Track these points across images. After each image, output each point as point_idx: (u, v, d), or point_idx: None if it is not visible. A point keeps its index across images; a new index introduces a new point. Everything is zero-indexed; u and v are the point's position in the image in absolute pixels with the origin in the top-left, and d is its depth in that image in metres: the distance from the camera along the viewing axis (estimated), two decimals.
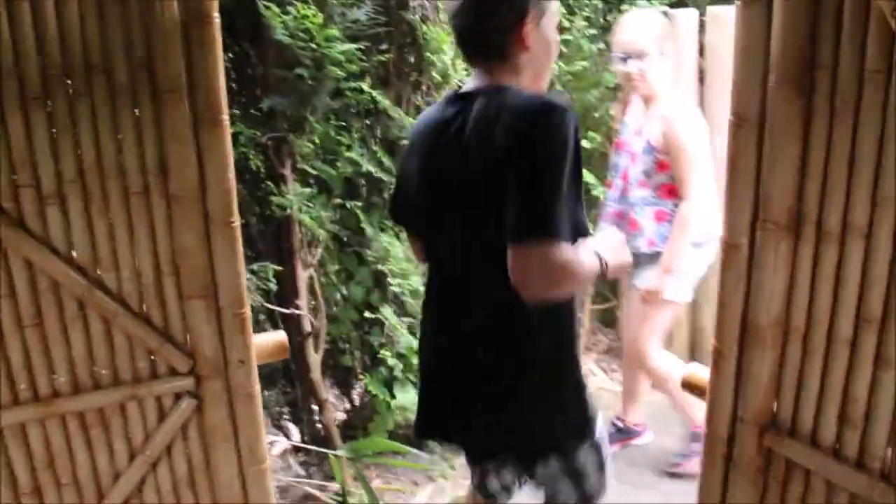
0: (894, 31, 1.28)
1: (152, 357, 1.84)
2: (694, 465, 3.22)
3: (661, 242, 3.04)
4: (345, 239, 2.83)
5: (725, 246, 1.63)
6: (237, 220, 1.81)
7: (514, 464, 1.96)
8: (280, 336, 2.05)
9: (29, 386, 1.74)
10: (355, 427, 3.20)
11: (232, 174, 1.77)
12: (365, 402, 3.37)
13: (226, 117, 1.73)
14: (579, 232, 1.68)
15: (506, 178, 1.58)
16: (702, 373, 1.85)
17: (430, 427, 2.00)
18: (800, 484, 1.63)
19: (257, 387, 1.96)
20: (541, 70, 1.77)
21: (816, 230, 1.48)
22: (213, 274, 1.81)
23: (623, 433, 3.51)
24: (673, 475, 3.29)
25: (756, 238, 1.57)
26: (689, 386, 1.87)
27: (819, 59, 1.41)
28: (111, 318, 1.75)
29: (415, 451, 3.00)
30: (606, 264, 1.75)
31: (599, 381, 4.15)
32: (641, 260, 3.06)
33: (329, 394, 2.97)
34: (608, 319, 4.55)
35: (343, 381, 3.36)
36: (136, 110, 1.66)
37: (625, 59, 2.90)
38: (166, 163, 1.71)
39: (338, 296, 2.90)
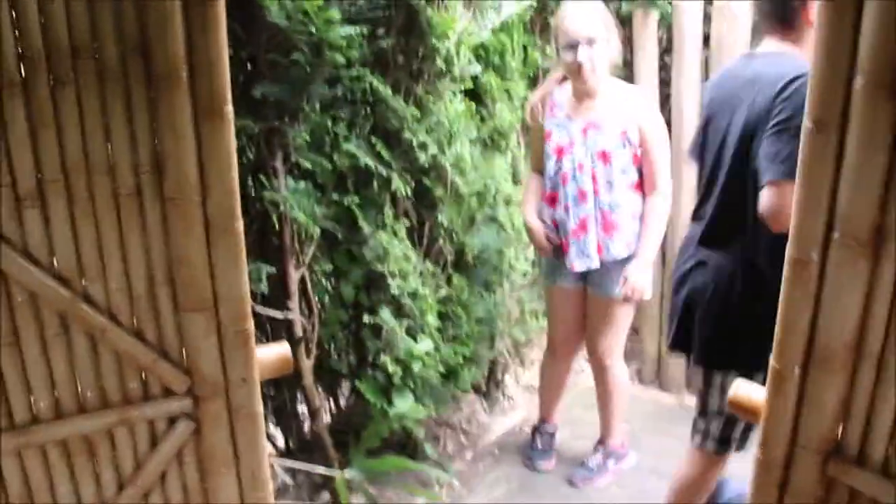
0: None
1: (144, 377, 1.64)
2: (603, 482, 3.18)
3: (635, 243, 2.88)
4: (339, 237, 2.63)
5: (793, 262, 1.48)
6: (240, 226, 1.60)
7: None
8: (283, 349, 1.85)
9: (3, 412, 1.52)
10: (343, 433, 3.01)
11: (235, 173, 1.57)
12: (352, 407, 3.20)
13: (230, 109, 1.53)
14: None
15: (762, 127, 2.04)
16: (751, 392, 1.71)
17: (680, 343, 2.43)
18: None
19: (260, 407, 1.77)
20: (811, 43, 1.83)
21: None
22: (213, 284, 1.61)
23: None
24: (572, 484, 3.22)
25: (829, 254, 1.42)
26: (738, 406, 1.72)
27: None
28: (98, 335, 1.54)
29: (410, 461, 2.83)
30: None
31: (590, 380, 4.02)
32: (611, 268, 2.89)
33: (321, 401, 2.78)
34: None
35: (329, 385, 3.17)
36: (128, 99, 1.44)
37: (573, 47, 2.71)
38: (161, 160, 1.50)
39: (328, 298, 2.70)
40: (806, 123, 1.41)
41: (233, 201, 1.57)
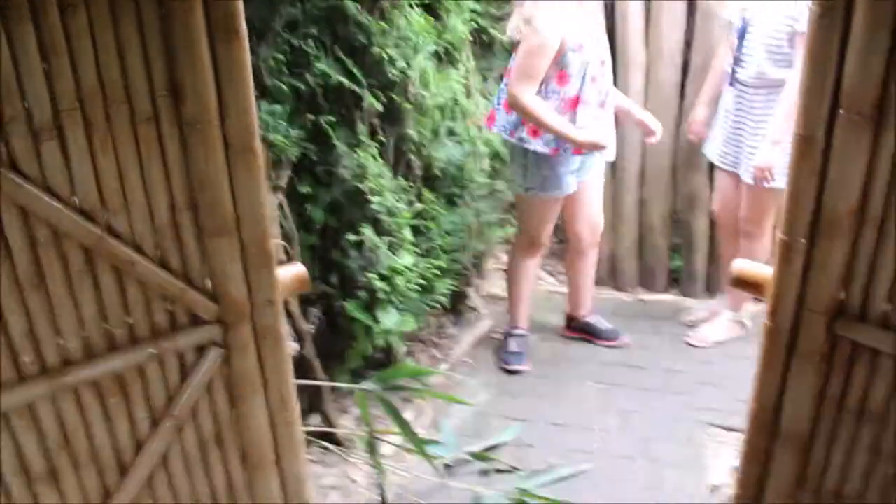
0: None
1: (171, 308, 1.61)
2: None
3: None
4: (314, 158, 2.59)
5: (800, 138, 1.56)
6: (259, 144, 1.57)
7: None
8: (299, 269, 1.85)
9: (35, 358, 1.48)
10: (325, 356, 3.02)
11: (252, 92, 1.53)
12: (324, 327, 3.20)
13: (244, 27, 1.47)
14: None
15: None
16: (753, 268, 1.83)
17: None
18: (865, 364, 1.64)
19: (285, 328, 1.77)
20: None
21: None
22: (235, 207, 1.58)
23: None
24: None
25: (834, 130, 1.52)
26: (742, 282, 1.83)
27: None
28: (125, 268, 1.50)
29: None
30: None
31: (548, 286, 4.15)
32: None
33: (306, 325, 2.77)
34: None
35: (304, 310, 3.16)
36: (140, 20, 1.37)
37: None
38: (178, 83, 1.44)
39: (312, 219, 2.67)
40: (812, 7, 1.48)
41: (251, 120, 1.53)
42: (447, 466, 2.77)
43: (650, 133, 3.28)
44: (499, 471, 2.77)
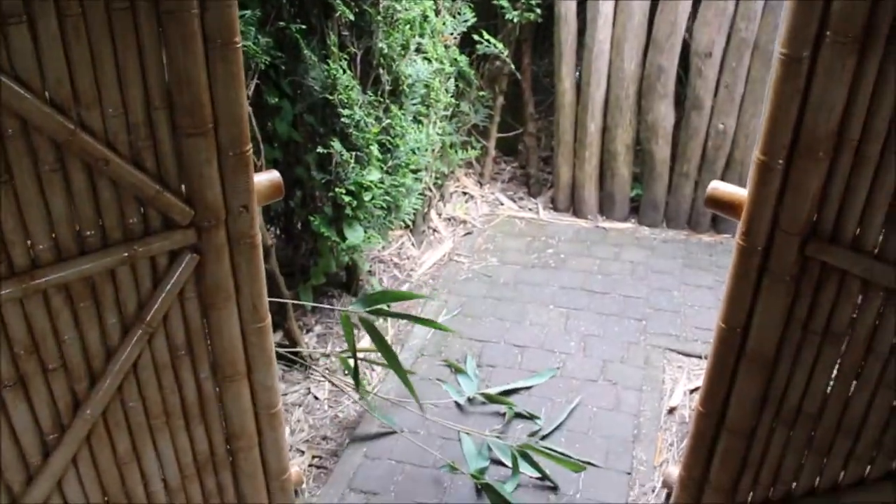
0: None
1: (143, 211, 1.55)
2: None
3: None
4: (282, 68, 2.50)
5: (786, 59, 1.56)
6: (240, 41, 1.50)
7: None
8: (274, 176, 1.80)
9: (2, 258, 1.42)
10: (287, 275, 2.99)
11: None
12: (284, 245, 3.16)
13: None
14: None
15: None
16: (727, 189, 1.84)
17: None
18: (833, 286, 1.68)
19: (259, 235, 1.73)
20: None
21: (886, 44, 1.45)
22: (213, 106, 1.52)
23: None
24: None
25: (820, 52, 1.52)
26: (717, 202, 1.85)
27: None
28: (99, 166, 1.43)
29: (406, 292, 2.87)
30: None
31: (508, 210, 4.16)
32: None
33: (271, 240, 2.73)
34: (510, 148, 4.50)
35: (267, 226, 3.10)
36: None
37: None
38: None
39: (276, 132, 2.60)
40: None
41: (232, 13, 1.46)
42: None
43: None
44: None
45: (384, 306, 2.33)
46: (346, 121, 2.60)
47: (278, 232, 3.17)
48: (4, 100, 1.29)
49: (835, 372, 1.75)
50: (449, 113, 3.59)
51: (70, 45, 1.33)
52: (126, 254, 1.54)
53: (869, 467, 1.78)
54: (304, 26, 2.47)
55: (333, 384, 2.82)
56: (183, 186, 1.58)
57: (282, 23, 2.38)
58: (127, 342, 1.63)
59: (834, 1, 1.47)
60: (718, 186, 1.89)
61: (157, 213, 1.56)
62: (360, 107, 2.70)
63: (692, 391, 2.82)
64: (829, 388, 1.77)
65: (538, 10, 3.83)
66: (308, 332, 3.06)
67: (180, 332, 1.72)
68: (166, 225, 1.59)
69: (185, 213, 1.58)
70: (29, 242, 1.44)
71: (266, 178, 1.78)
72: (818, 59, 1.53)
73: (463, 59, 3.62)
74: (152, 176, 1.52)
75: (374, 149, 2.75)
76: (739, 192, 1.81)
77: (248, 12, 2.23)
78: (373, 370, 2.93)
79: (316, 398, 2.78)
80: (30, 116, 1.32)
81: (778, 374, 1.81)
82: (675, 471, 2.17)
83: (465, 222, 4.01)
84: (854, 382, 1.73)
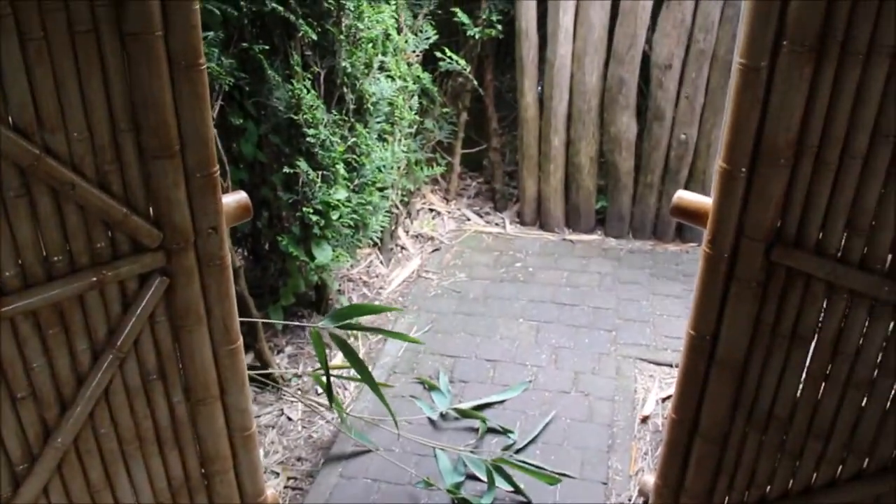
0: None
1: (111, 235, 1.54)
2: None
3: None
4: (246, 89, 2.49)
5: (744, 69, 1.60)
6: (205, 63, 1.50)
7: None
8: (241, 197, 1.80)
9: None
10: (255, 296, 2.97)
11: (198, 5, 1.45)
12: (252, 266, 3.14)
13: None
14: None
15: None
16: (692, 198, 1.88)
17: None
18: (799, 290, 1.72)
19: (229, 256, 1.72)
20: None
21: (841, 51, 1.49)
22: (178, 128, 1.51)
23: None
24: None
25: (777, 61, 1.56)
26: (682, 212, 1.88)
27: None
28: (65, 190, 1.42)
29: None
30: None
31: (475, 225, 4.17)
32: None
33: (240, 262, 2.70)
34: (476, 164, 4.53)
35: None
36: None
37: None
38: None
39: (241, 153, 2.58)
40: None
41: (196, 36, 1.46)
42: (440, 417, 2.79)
43: None
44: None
45: (355, 321, 2.33)
46: (312, 140, 2.59)
47: (246, 253, 3.15)
48: None
49: (804, 375, 1.78)
50: (413, 130, 3.60)
51: (32, 68, 1.31)
52: (95, 278, 1.52)
53: (840, 468, 1.81)
54: (266, 47, 2.47)
55: (306, 404, 2.79)
56: (151, 209, 1.57)
57: (244, 44, 2.38)
58: (98, 368, 1.61)
59: (789, 10, 1.51)
60: (683, 196, 1.92)
61: (126, 237, 1.55)
62: (325, 126, 2.70)
63: (664, 399, 2.85)
64: (799, 391, 1.80)
65: (499, 27, 3.87)
66: (279, 352, 3.03)
67: (151, 355, 1.70)
68: (135, 248, 1.57)
69: (154, 236, 1.57)
70: None
71: (234, 199, 1.77)
72: (776, 67, 1.57)
73: (426, 77, 3.64)
74: (119, 199, 1.50)
75: (341, 167, 2.75)
76: (704, 201, 1.84)
77: (212, 34, 2.22)
78: (346, 389, 2.91)
79: (289, 419, 2.75)
80: None
81: (748, 379, 1.84)
82: (650, 479, 2.19)
83: (432, 239, 4.02)
84: (823, 385, 1.77)
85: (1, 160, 1.33)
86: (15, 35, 1.28)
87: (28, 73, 1.31)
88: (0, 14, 1.24)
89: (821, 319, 1.72)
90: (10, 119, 1.33)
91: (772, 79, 1.58)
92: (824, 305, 1.71)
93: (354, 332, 3.16)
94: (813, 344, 1.75)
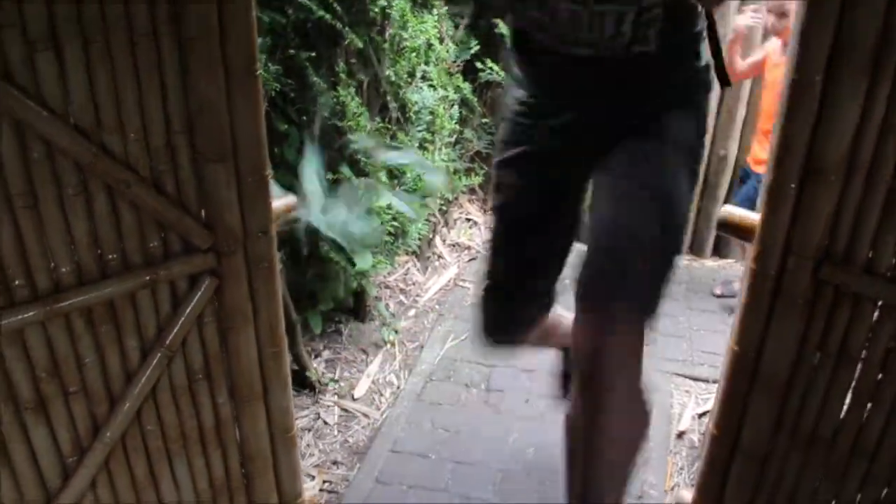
0: None
1: (164, 235, 1.57)
2: None
3: None
4: (292, 96, 2.53)
5: (795, 84, 1.58)
6: (259, 69, 1.53)
7: None
8: (290, 200, 1.82)
9: (25, 282, 1.42)
10: (294, 300, 2.99)
11: (254, 12, 1.48)
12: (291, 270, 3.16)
13: None
14: None
15: None
16: (741, 213, 1.86)
17: None
18: (847, 309, 1.69)
19: (277, 258, 1.74)
20: None
21: None
22: (232, 132, 1.54)
23: None
24: None
25: (831, 76, 1.54)
26: (730, 227, 1.87)
27: None
28: (122, 190, 1.45)
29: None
30: None
31: None
32: None
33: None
34: None
35: None
36: None
37: None
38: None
39: (284, 159, 2.62)
40: None
41: (252, 42, 1.49)
42: None
43: None
44: None
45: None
46: (356, 147, 2.62)
47: (285, 257, 3.18)
48: (31, 122, 1.31)
49: (849, 395, 1.76)
50: (453, 139, 3.62)
51: (94, 71, 1.35)
52: (147, 278, 1.55)
53: (886, 490, 1.78)
54: (312, 54, 2.50)
55: (343, 409, 2.81)
56: (202, 211, 1.59)
57: (291, 51, 2.42)
58: (146, 366, 1.64)
59: (845, 24, 1.50)
60: (731, 210, 1.90)
61: (178, 238, 1.58)
62: (369, 133, 2.73)
63: (701, 415, 2.82)
64: (845, 411, 1.77)
65: None
66: (316, 357, 3.05)
67: (199, 355, 1.73)
68: (186, 249, 1.60)
69: (205, 238, 1.59)
70: (52, 265, 1.45)
71: (283, 202, 1.79)
72: (830, 81, 1.55)
73: (466, 87, 3.66)
74: (173, 200, 1.53)
75: (383, 175, 2.77)
76: (751, 217, 1.83)
77: (261, 40, 2.26)
78: (381, 395, 2.93)
79: (325, 423, 2.77)
80: (52, 138, 1.34)
81: (792, 397, 1.81)
82: (685, 494, 2.17)
83: (469, 248, 4.02)
84: (869, 405, 1.74)
85: (61, 158, 1.37)
86: (79, 40, 1.31)
87: (89, 74, 1.35)
88: (63, 19, 1.28)
89: (869, 338, 1.70)
90: (71, 119, 1.37)
91: (825, 94, 1.57)
92: (873, 324, 1.69)
93: (392, 339, 3.21)
94: (860, 364, 1.73)
